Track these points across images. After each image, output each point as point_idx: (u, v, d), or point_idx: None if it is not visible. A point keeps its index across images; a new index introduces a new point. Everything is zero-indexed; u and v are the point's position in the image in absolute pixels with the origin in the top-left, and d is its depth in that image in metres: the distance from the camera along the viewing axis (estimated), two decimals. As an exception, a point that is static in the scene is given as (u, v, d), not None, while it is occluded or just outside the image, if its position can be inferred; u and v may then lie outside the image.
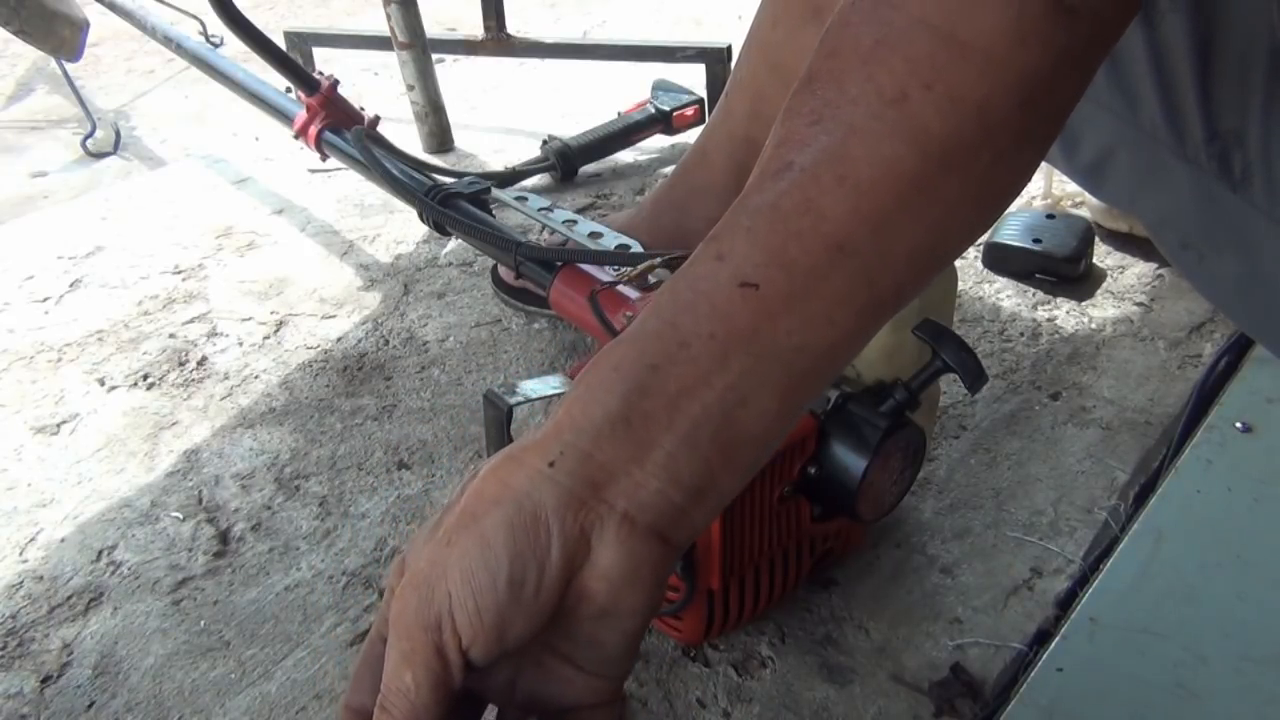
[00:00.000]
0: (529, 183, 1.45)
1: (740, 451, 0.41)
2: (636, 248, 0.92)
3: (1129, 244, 1.22)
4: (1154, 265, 1.19)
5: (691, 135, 1.50)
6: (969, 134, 0.41)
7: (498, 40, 1.63)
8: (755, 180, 0.43)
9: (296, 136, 1.30)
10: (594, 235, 0.96)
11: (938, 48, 0.40)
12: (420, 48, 1.50)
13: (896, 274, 0.42)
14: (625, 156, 1.51)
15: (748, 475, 0.43)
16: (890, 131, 0.40)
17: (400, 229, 1.38)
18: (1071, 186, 1.29)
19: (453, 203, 1.06)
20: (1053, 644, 0.74)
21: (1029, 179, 0.46)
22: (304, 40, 1.71)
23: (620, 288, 0.87)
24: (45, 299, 1.27)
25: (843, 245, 0.40)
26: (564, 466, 0.40)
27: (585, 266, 0.91)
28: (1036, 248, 1.16)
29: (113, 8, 1.65)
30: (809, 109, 0.42)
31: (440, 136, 1.58)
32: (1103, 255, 1.21)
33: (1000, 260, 1.19)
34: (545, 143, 1.46)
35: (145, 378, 1.12)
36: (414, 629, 0.39)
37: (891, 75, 0.40)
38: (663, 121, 1.48)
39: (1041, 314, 1.13)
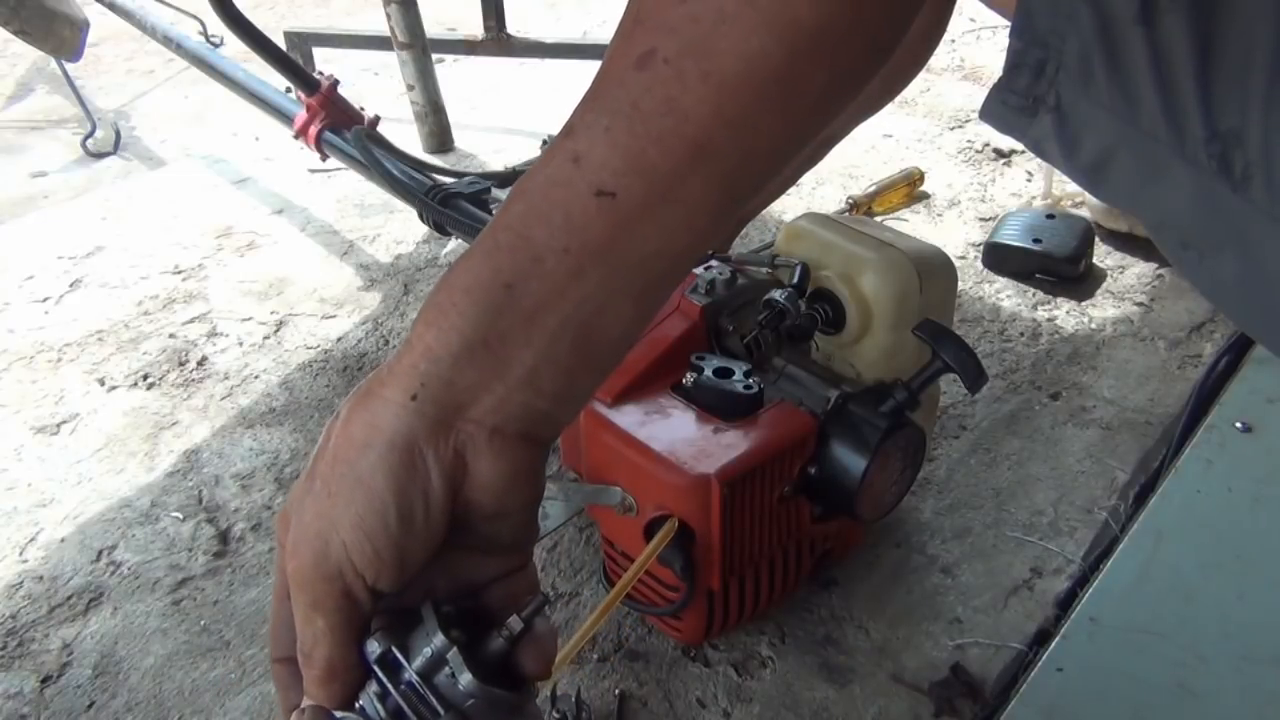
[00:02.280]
0: (529, 183, 1.45)
1: (599, 356, 0.42)
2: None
3: (1129, 244, 1.21)
4: (1154, 265, 1.19)
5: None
6: (842, 23, 0.39)
7: (498, 40, 1.63)
8: (616, 65, 0.41)
9: (296, 136, 1.30)
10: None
11: None
12: (420, 48, 1.50)
13: (754, 173, 0.41)
14: (625, 156, 1.51)
15: (607, 373, 0.43)
16: (760, 21, 0.38)
17: (400, 229, 1.38)
18: (1071, 186, 1.29)
19: (453, 203, 1.06)
20: (1053, 644, 0.74)
21: (912, 72, 0.44)
22: (304, 40, 1.71)
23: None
24: (45, 299, 1.27)
25: (704, 147, 0.39)
26: (427, 397, 0.40)
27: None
28: (1036, 248, 1.16)
29: (113, 8, 1.65)
30: None
31: (440, 136, 1.58)
32: (1103, 255, 1.21)
33: (1000, 260, 1.19)
34: (545, 143, 1.46)
35: (145, 378, 1.12)
36: (316, 582, 0.40)
37: None
38: (663, 121, 1.47)
39: (1041, 314, 1.13)
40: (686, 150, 0.39)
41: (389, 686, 0.40)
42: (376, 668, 0.41)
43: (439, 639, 0.40)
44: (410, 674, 0.40)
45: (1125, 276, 1.18)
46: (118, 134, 1.73)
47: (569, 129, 0.41)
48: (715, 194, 0.40)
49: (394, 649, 0.41)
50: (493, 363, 0.40)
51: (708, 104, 0.39)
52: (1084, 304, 1.13)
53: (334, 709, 0.41)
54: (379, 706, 0.41)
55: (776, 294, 0.77)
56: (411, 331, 0.42)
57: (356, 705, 0.41)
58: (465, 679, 0.40)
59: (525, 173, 0.42)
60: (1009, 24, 0.59)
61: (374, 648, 0.41)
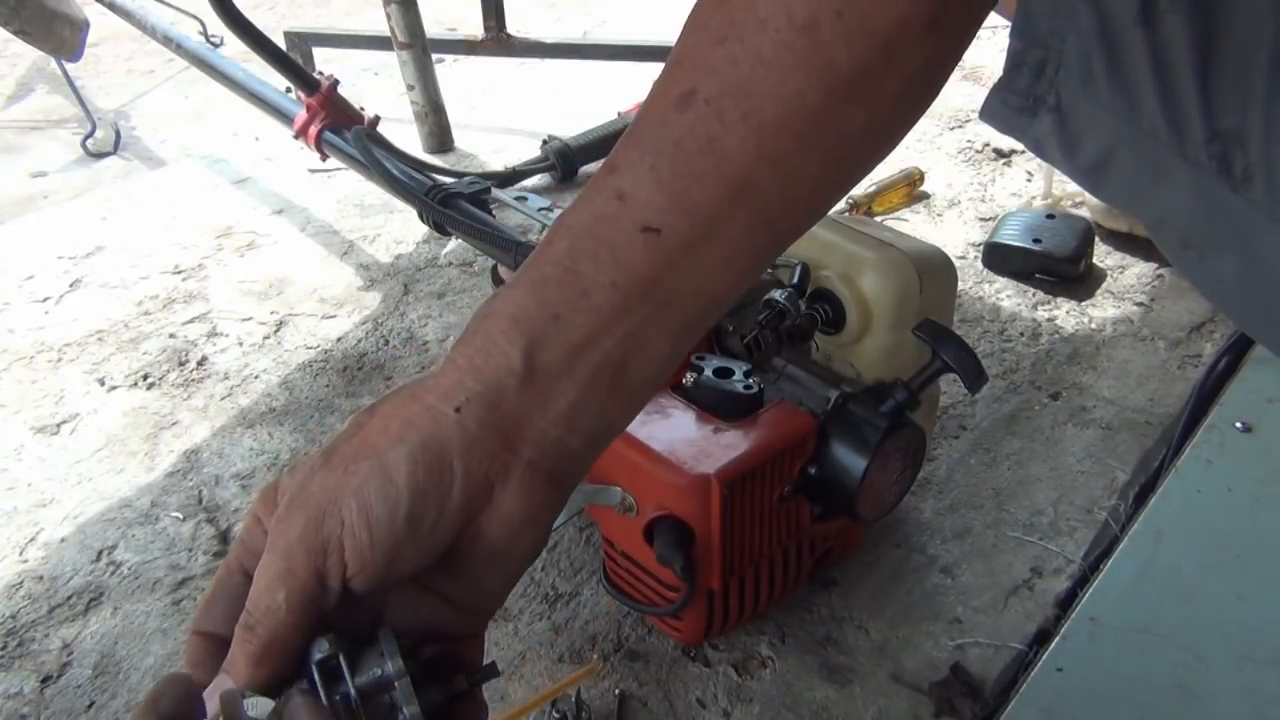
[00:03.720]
0: (529, 183, 1.45)
1: (631, 394, 0.42)
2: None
3: (1129, 244, 1.21)
4: (1154, 265, 1.19)
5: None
6: (875, 64, 0.39)
7: (498, 40, 1.63)
8: (658, 105, 0.42)
9: (296, 136, 1.30)
10: (594, 235, 0.96)
11: None
12: (420, 48, 1.50)
13: (795, 211, 0.42)
14: (625, 156, 1.51)
15: (634, 414, 0.44)
16: (797, 65, 0.39)
17: (400, 229, 1.38)
18: (1071, 186, 1.29)
19: (453, 203, 1.06)
20: (1053, 644, 0.74)
21: (933, 100, 0.45)
22: (304, 40, 1.71)
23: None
24: (45, 299, 1.27)
25: (745, 186, 0.40)
26: (471, 414, 0.40)
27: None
28: (1036, 248, 1.16)
29: (113, 8, 1.65)
30: (717, 24, 0.41)
31: (440, 136, 1.58)
32: (1103, 255, 1.21)
33: (1000, 260, 1.19)
34: (545, 143, 1.46)
35: (145, 378, 1.12)
36: (296, 549, 0.39)
37: None
38: (663, 121, 1.47)
39: (1041, 314, 1.13)
40: (728, 190, 0.40)
41: (321, 693, 0.38)
42: (316, 670, 0.39)
43: (395, 664, 0.39)
44: (350, 687, 0.38)
45: (1125, 276, 1.18)
46: (118, 134, 1.73)
47: (612, 166, 0.42)
48: (757, 233, 0.41)
49: (341, 657, 0.39)
50: (536, 394, 0.40)
51: (749, 144, 0.40)
52: (1084, 304, 1.14)
53: (252, 688, 0.39)
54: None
55: (776, 294, 0.77)
56: (454, 352, 0.41)
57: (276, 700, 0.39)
58: (412, 710, 0.38)
59: (566, 209, 0.42)
60: (1009, 24, 0.59)
61: (321, 650, 0.39)
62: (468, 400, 0.40)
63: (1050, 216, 1.19)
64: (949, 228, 1.29)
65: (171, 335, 1.19)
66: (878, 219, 1.31)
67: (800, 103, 0.39)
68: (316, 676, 0.39)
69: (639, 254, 0.40)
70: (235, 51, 1.55)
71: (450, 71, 1.81)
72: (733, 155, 0.40)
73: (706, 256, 0.40)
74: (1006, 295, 1.16)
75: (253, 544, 0.42)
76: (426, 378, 0.42)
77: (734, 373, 0.74)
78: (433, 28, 1.56)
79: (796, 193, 0.41)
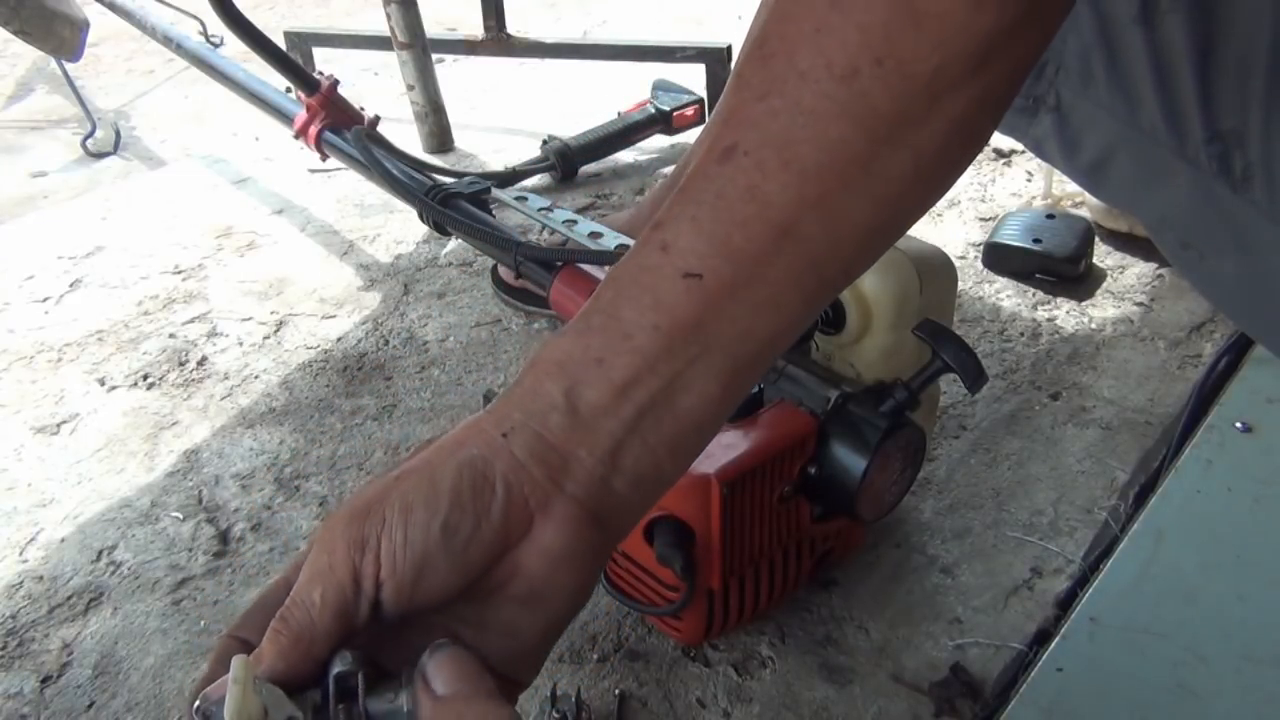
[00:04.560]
0: (529, 183, 1.45)
1: (683, 439, 0.42)
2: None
3: (1129, 244, 1.21)
4: (1154, 265, 1.19)
5: (692, 135, 1.50)
6: (918, 108, 0.40)
7: (498, 40, 1.63)
8: (701, 161, 0.43)
9: (296, 136, 1.30)
10: (594, 235, 0.96)
11: (892, 15, 0.39)
12: (420, 48, 1.50)
13: (843, 255, 0.42)
14: (625, 156, 1.51)
15: (688, 462, 0.44)
16: (839, 112, 0.40)
17: (400, 229, 1.38)
18: (1071, 186, 1.29)
19: (453, 203, 1.06)
20: (1053, 644, 0.74)
21: (984, 143, 0.45)
22: (304, 40, 1.71)
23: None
24: (45, 299, 1.27)
25: (788, 231, 0.40)
26: (517, 440, 0.40)
27: (585, 266, 0.91)
28: (1036, 248, 1.16)
29: (113, 8, 1.65)
30: (759, 81, 0.42)
31: (440, 136, 1.58)
32: (1103, 255, 1.21)
33: (1000, 260, 1.19)
34: (545, 143, 1.46)
35: (145, 378, 1.12)
36: (338, 542, 0.39)
37: (843, 48, 0.40)
38: (663, 121, 1.48)
39: (1041, 314, 1.13)
40: (770, 234, 0.40)
41: (331, 704, 0.38)
42: (332, 681, 0.39)
43: (413, 698, 0.38)
44: (360, 708, 0.38)
45: (1125, 276, 1.18)
46: (118, 134, 1.73)
47: (657, 223, 0.43)
48: (805, 277, 0.42)
49: (361, 676, 0.39)
50: (580, 430, 0.40)
51: (790, 190, 0.40)
52: (1084, 304, 1.14)
53: (267, 679, 0.39)
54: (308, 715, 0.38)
55: (776, 294, 0.77)
56: (503, 393, 0.42)
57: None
58: None
59: (616, 264, 0.43)
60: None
61: (344, 662, 0.39)
62: (514, 429, 0.41)
63: (1050, 216, 1.19)
64: (949, 228, 1.30)
65: (171, 335, 1.19)
66: (878, 219, 1.31)
67: (843, 149, 0.40)
68: (331, 688, 0.39)
69: (681, 298, 0.40)
70: (235, 51, 1.55)
71: (450, 71, 1.81)
72: (774, 201, 0.40)
73: (751, 299, 0.41)
74: (1006, 295, 1.16)
75: (302, 562, 0.42)
76: (487, 409, 0.42)
77: (734, 373, 0.73)
78: (433, 28, 1.56)
79: (842, 236, 0.42)
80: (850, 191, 0.41)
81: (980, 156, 1.44)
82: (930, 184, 0.43)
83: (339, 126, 1.25)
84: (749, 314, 0.41)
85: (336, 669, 0.39)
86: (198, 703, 0.38)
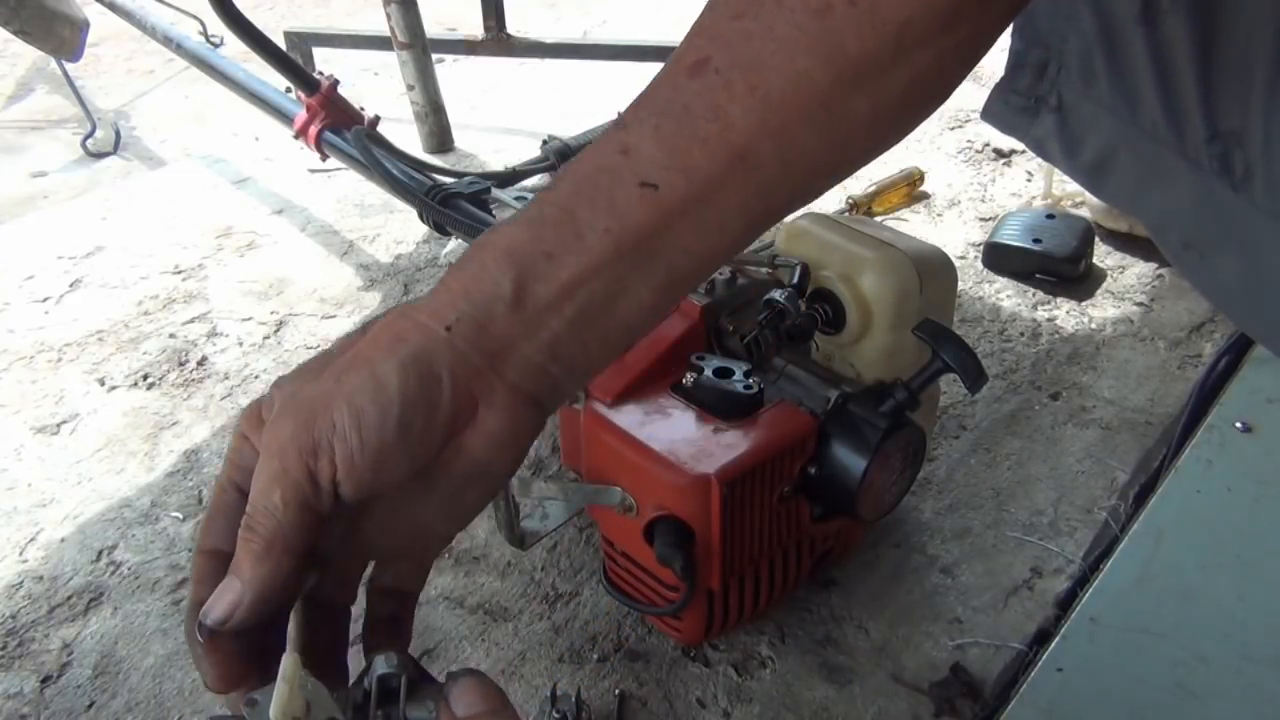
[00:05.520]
0: (529, 183, 1.45)
1: (613, 338, 0.44)
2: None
3: (1129, 244, 1.21)
4: (1154, 265, 1.19)
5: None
6: (885, 54, 0.41)
7: (498, 40, 1.63)
8: (672, 70, 0.43)
9: (296, 136, 1.30)
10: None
11: None
12: (420, 48, 1.50)
13: (792, 186, 0.44)
14: (625, 156, 1.50)
15: (615, 356, 0.46)
16: (808, 46, 0.41)
17: (400, 229, 1.38)
18: (1071, 186, 1.29)
19: (453, 203, 1.06)
20: (1053, 644, 0.74)
21: (940, 102, 0.46)
22: (304, 40, 1.71)
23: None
24: (45, 299, 1.27)
25: (745, 156, 0.41)
26: (460, 333, 0.41)
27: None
28: (1036, 248, 1.16)
29: (113, 8, 1.65)
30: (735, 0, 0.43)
31: (440, 136, 1.58)
32: (1103, 255, 1.21)
33: (1000, 260, 1.19)
34: (545, 143, 1.45)
35: (145, 378, 1.12)
36: (289, 450, 0.40)
37: None
38: (663, 121, 1.47)
39: (1041, 314, 1.13)
40: (729, 156, 0.41)
41: (372, 706, 0.39)
42: (375, 682, 0.39)
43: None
44: (400, 712, 0.39)
45: (1125, 276, 1.18)
46: (118, 134, 1.73)
47: (621, 123, 0.43)
48: (753, 203, 0.43)
49: (404, 680, 0.39)
50: (523, 322, 0.42)
51: (753, 115, 0.41)
52: (1084, 304, 1.14)
53: (259, 593, 0.40)
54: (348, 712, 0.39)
55: (776, 294, 0.77)
56: (447, 276, 0.43)
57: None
58: None
59: (575, 157, 0.44)
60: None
61: (390, 664, 0.39)
62: (458, 320, 0.41)
63: (1050, 216, 1.19)
64: (949, 228, 1.30)
65: (171, 335, 1.19)
66: (878, 219, 1.31)
67: (807, 82, 0.41)
68: (374, 689, 0.39)
69: (635, 206, 0.41)
70: (235, 51, 1.55)
71: (450, 71, 1.81)
72: (736, 124, 0.41)
73: (701, 217, 0.42)
74: (1006, 295, 1.16)
75: (241, 461, 0.43)
76: (418, 299, 0.43)
77: (734, 373, 0.73)
78: (433, 28, 1.56)
79: (795, 168, 0.43)
80: (809, 126, 0.42)
81: (980, 157, 1.44)
82: (884, 132, 0.45)
83: (339, 126, 1.25)
84: (695, 231, 0.42)
85: (380, 670, 0.40)
86: (248, 695, 0.39)
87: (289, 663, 0.38)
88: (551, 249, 0.42)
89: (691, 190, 0.41)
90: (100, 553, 0.90)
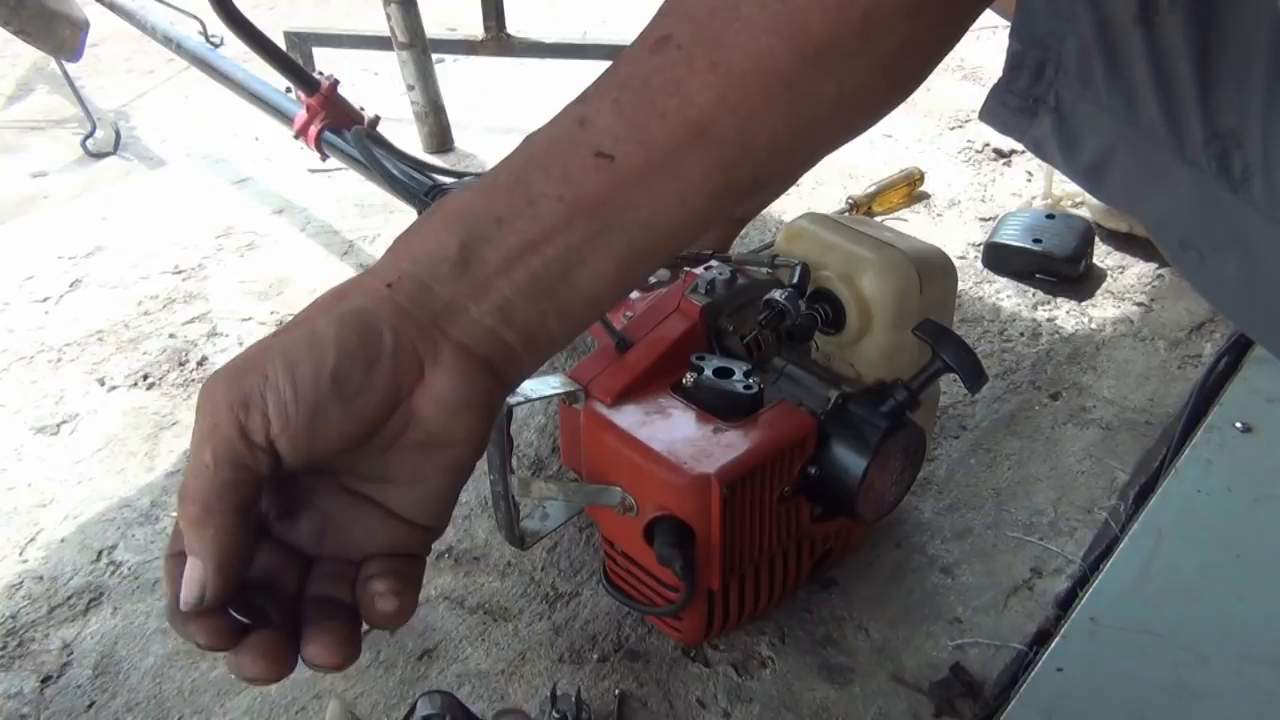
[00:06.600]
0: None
1: (573, 308, 0.43)
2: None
3: (1129, 244, 1.21)
4: (1154, 265, 1.19)
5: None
6: (849, 38, 0.41)
7: (498, 40, 1.63)
8: (635, 46, 0.43)
9: (296, 136, 1.30)
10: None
11: None
12: (420, 48, 1.50)
13: (756, 165, 0.43)
14: (625, 156, 1.51)
15: (578, 330, 0.44)
16: (771, 24, 0.40)
17: (400, 229, 1.37)
18: (1071, 186, 1.29)
19: (453, 203, 1.06)
20: (1053, 644, 0.74)
21: (914, 88, 0.46)
22: (304, 40, 1.71)
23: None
24: (45, 299, 1.27)
25: (704, 130, 0.41)
26: (402, 290, 0.41)
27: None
28: (1036, 248, 1.16)
29: (113, 8, 1.65)
30: None
31: (440, 136, 1.58)
32: (1103, 255, 1.21)
33: (1000, 260, 1.19)
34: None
35: (145, 378, 1.12)
36: (220, 405, 0.38)
37: None
38: (663, 121, 1.47)
39: (1041, 314, 1.13)
40: (687, 130, 0.41)
41: None
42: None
43: None
44: None
45: (1125, 276, 1.18)
46: (118, 134, 1.73)
47: (581, 97, 0.43)
48: (713, 177, 0.42)
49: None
50: (469, 284, 0.41)
51: (713, 90, 0.41)
52: (1084, 304, 1.14)
53: (216, 562, 0.38)
54: None
55: (776, 294, 0.77)
56: (396, 241, 0.43)
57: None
58: None
59: (533, 132, 0.43)
60: (1009, 24, 0.59)
61: (432, 706, 0.39)
62: (400, 278, 0.41)
63: (1050, 216, 1.19)
64: (949, 228, 1.29)
65: (171, 335, 1.19)
66: (878, 219, 1.31)
67: (770, 60, 0.41)
68: None
69: (589, 174, 0.41)
70: (235, 51, 1.55)
71: (450, 71, 1.81)
72: (695, 98, 0.41)
73: (660, 190, 0.42)
74: (1006, 295, 1.16)
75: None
76: (367, 268, 0.43)
77: (734, 373, 0.74)
78: (433, 28, 1.56)
79: (757, 145, 0.42)
80: (770, 104, 0.41)
81: (980, 157, 1.44)
82: (852, 116, 0.44)
83: (339, 126, 1.25)
84: (654, 203, 0.42)
85: (424, 711, 0.40)
86: None
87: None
88: (502, 214, 0.41)
89: (650, 162, 0.41)
90: (100, 553, 0.90)
